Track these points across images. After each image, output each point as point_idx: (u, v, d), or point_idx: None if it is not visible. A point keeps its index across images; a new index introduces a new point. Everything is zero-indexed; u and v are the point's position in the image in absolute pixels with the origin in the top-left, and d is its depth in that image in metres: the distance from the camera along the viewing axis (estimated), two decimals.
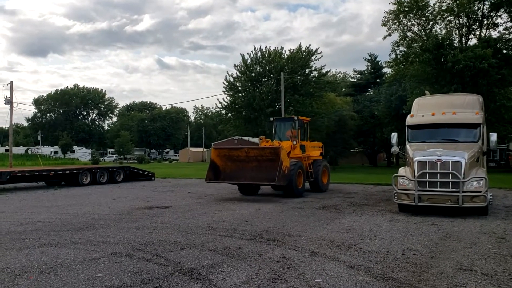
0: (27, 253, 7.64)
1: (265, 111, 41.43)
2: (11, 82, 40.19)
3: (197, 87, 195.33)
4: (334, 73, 67.28)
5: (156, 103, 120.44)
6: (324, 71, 45.40)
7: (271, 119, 19.62)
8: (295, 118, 18.49)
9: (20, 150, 75.04)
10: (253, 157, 16.67)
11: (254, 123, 43.94)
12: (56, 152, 78.64)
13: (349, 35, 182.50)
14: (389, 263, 6.97)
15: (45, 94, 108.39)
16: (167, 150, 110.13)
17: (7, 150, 51.08)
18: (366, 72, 62.79)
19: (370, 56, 62.01)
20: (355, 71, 66.89)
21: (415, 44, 37.10)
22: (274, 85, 42.86)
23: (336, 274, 6.35)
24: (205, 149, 79.50)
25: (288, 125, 18.79)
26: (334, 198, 17.00)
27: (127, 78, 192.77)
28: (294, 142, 17.79)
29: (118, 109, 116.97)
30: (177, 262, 7.05)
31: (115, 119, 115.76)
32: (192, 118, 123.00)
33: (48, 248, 8.09)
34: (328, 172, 20.26)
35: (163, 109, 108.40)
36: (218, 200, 16.14)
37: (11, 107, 39.57)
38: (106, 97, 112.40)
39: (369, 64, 62.24)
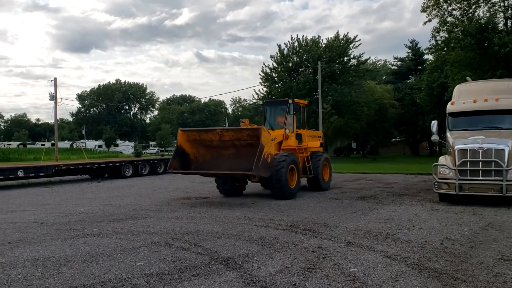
0: (71, 243, 7.95)
1: None
2: (55, 79, 41.43)
3: (235, 79, 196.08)
4: (374, 60, 65.89)
5: (195, 96, 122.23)
6: (363, 59, 44.55)
7: (261, 102, 17.27)
8: (290, 101, 15.53)
9: (66, 144, 77.48)
10: (229, 142, 13.51)
11: None
12: (100, 146, 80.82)
13: (390, 22, 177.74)
14: (426, 253, 6.86)
15: (88, 90, 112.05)
16: None
17: (53, 145, 52.85)
18: (407, 59, 61.47)
19: (411, 42, 60.71)
20: (395, 58, 65.73)
21: (456, 29, 35.84)
22: (311, 74, 42.39)
23: (372, 264, 6.30)
24: None
25: (280, 109, 15.87)
26: (373, 188, 16.80)
27: (168, 72, 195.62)
28: (287, 131, 14.81)
29: (158, 102, 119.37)
30: (213, 251, 7.18)
31: (156, 112, 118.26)
32: (229, 110, 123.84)
33: (91, 238, 8.39)
34: (329, 166, 16.94)
35: (202, 102, 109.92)
36: (254, 191, 16.19)
37: (56, 103, 40.88)
38: (147, 91, 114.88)
39: (409, 51, 60.92)
